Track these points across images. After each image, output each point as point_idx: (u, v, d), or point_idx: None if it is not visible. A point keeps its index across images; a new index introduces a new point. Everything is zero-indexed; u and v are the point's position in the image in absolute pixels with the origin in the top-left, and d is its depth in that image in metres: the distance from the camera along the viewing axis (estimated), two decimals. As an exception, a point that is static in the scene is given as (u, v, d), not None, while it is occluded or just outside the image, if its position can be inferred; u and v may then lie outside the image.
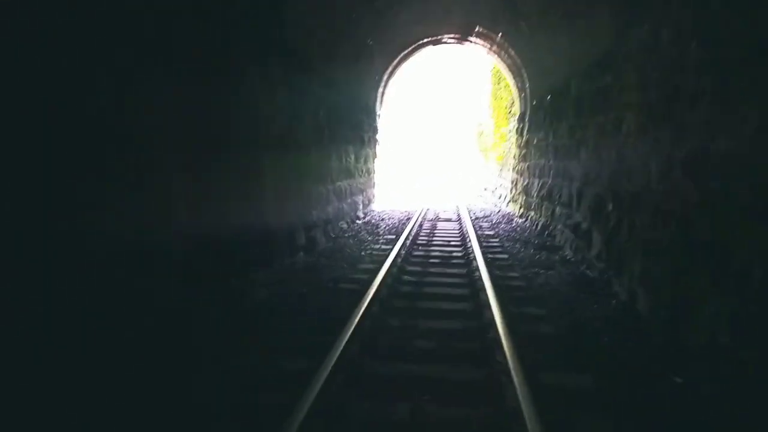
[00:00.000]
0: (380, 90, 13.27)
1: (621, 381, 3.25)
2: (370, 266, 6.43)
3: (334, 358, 3.17)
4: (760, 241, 2.96)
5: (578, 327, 4.32)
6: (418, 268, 6.45)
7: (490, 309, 4.31)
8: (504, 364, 3.20)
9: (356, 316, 3.98)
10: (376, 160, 13.59)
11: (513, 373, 2.99)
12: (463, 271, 6.35)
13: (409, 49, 12.18)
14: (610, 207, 5.90)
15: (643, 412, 2.89)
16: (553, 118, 9.45)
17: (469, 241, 8.03)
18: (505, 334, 3.62)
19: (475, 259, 6.56)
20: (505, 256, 7.41)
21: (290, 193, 7.09)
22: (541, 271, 6.47)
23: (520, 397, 2.68)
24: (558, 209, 8.70)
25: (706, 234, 3.54)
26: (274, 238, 6.42)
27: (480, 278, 5.50)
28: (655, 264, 4.43)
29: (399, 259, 6.63)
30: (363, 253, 7.49)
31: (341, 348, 3.34)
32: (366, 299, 4.45)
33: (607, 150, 6.07)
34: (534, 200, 10.88)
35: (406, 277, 5.95)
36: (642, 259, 4.77)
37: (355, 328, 3.75)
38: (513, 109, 15.46)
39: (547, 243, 8.48)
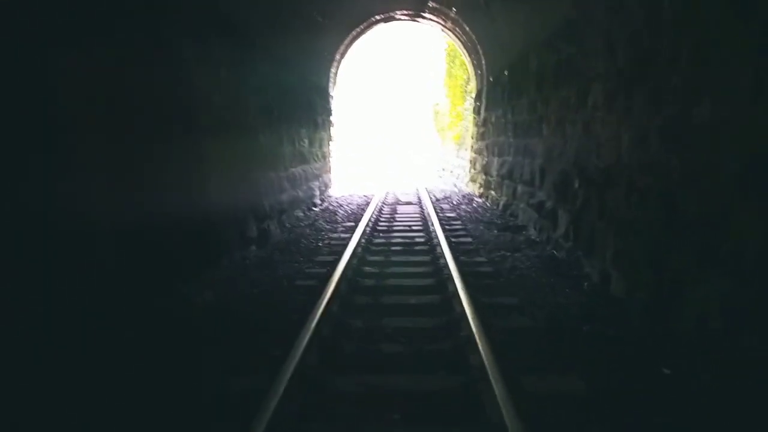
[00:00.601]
0: (333, 70, 12.63)
1: (611, 379, 2.94)
2: (329, 258, 5.97)
3: (288, 376, 2.71)
4: (756, 215, 2.69)
5: (554, 316, 4.02)
6: (380, 258, 6.04)
7: (460, 302, 3.95)
8: (481, 369, 2.84)
9: (313, 320, 3.53)
10: (331, 143, 13.00)
11: (492, 380, 2.62)
12: (427, 258, 5.98)
13: (362, 26, 11.58)
14: (577, 184, 5.63)
15: (640, 417, 2.59)
16: (512, 94, 9.15)
17: (432, 224, 7.67)
18: (478, 332, 3.27)
19: (439, 244, 6.22)
20: (469, 239, 7.10)
21: (238, 182, 6.49)
22: (508, 254, 6.19)
23: (504, 412, 2.32)
24: (520, 188, 8.45)
25: (691, 210, 3.26)
26: (220, 231, 5.83)
27: (446, 265, 5.14)
28: (631, 244, 4.17)
29: (359, 249, 6.19)
30: (321, 244, 7.01)
31: (296, 362, 2.88)
32: (324, 298, 4.00)
33: (573, 124, 5.78)
34: (494, 179, 10.63)
35: (367, 269, 5.52)
36: (615, 239, 4.51)
37: (312, 335, 3.29)
38: (469, 87, 15.17)
39: (510, 223, 8.24)
